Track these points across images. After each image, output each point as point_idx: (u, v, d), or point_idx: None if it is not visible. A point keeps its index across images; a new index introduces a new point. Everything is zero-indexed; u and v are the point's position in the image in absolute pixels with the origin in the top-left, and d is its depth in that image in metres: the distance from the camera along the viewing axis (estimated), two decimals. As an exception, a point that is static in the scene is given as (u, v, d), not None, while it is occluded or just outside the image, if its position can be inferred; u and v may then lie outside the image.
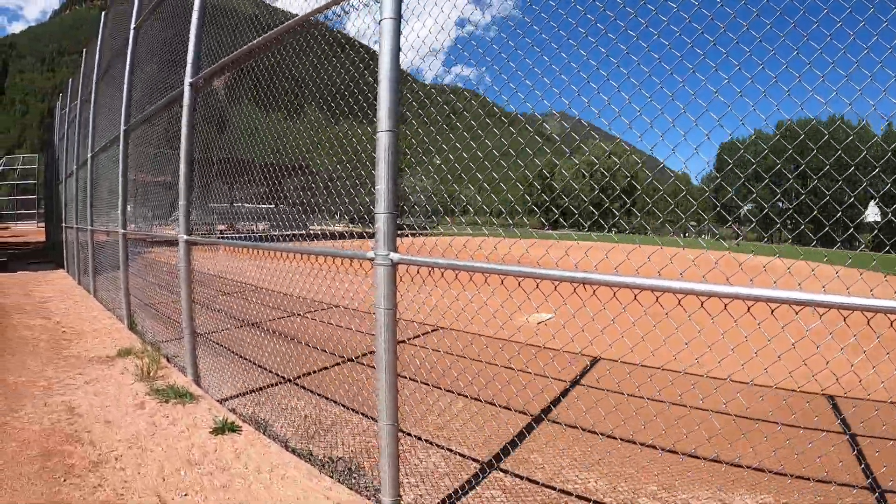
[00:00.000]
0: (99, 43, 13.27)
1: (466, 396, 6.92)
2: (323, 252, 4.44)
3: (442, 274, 4.21)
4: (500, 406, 6.26)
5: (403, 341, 8.23)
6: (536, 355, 8.60)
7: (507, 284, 3.80)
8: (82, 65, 16.23)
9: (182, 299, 6.98)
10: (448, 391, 7.06)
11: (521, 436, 5.85)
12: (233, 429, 5.49)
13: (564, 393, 7.43)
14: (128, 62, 9.70)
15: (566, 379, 7.92)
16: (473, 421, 6.20)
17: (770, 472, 5.00)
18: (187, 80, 6.80)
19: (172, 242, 7.47)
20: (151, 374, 7.12)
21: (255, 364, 8.06)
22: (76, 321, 10.73)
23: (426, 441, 5.65)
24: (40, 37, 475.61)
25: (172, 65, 7.99)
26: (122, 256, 9.98)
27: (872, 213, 12.14)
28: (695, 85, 2.81)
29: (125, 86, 9.81)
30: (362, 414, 6.33)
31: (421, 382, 7.22)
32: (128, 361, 7.87)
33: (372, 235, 3.81)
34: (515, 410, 6.15)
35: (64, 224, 19.03)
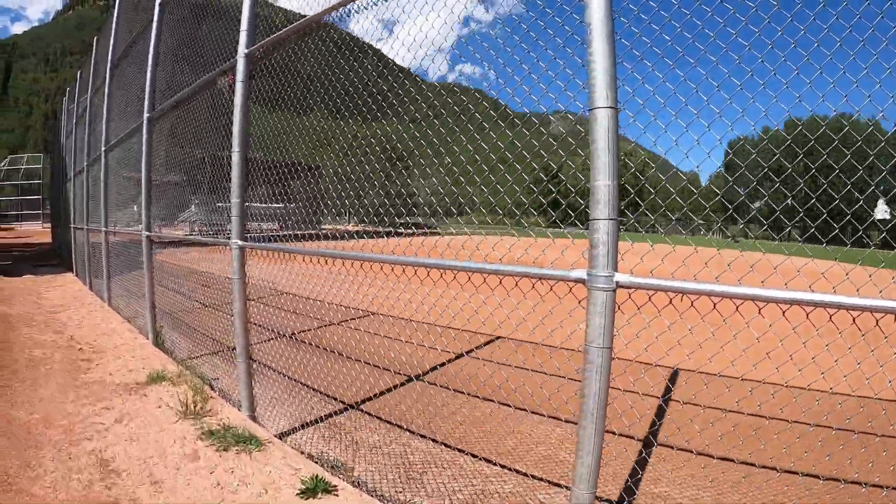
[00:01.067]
0: (115, 21, 11.95)
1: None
2: (523, 272, 3.09)
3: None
4: (615, 433, 5.41)
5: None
6: (626, 370, 7.35)
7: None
8: (93, 53, 15.02)
9: (235, 318, 5.72)
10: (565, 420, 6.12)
11: (641, 463, 5.23)
12: (327, 489, 4.22)
13: (660, 410, 6.61)
14: (152, 38, 8.43)
15: (655, 394, 7.25)
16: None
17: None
18: (242, 49, 5.62)
19: (175, 244, 6.40)
20: (197, 408, 5.82)
21: (314, 389, 6.98)
22: (93, 335, 9.44)
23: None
24: (43, 37, 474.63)
25: (211, 41, 7.02)
26: (146, 263, 8.70)
27: (881, 211, 12.22)
28: (707, 90, 2.80)
29: (149, 65, 8.53)
30: (457, 450, 5.31)
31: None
32: (163, 390, 6.60)
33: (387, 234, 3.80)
34: (622, 434, 5.62)
35: (73, 225, 17.73)
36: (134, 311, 10.95)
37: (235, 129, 5.55)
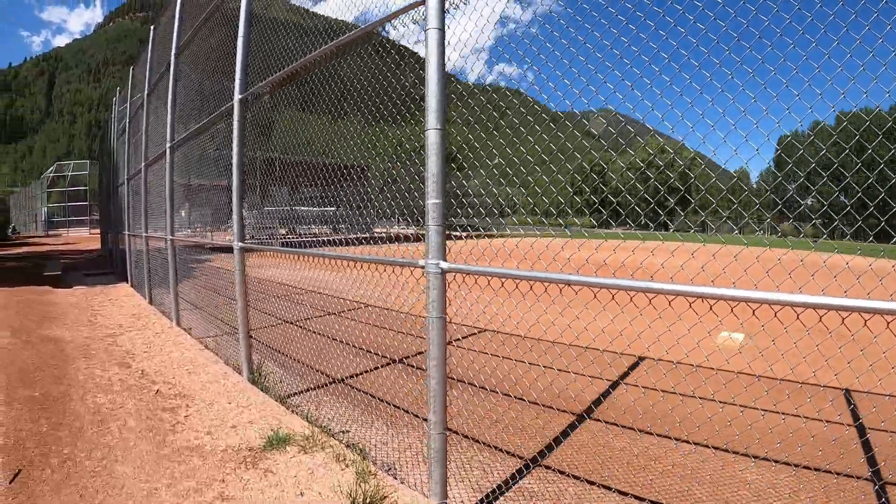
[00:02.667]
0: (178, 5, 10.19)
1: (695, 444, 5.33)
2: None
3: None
4: (776, 462, 4.81)
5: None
6: (748, 387, 6.30)
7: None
8: (149, 43, 13.21)
9: (430, 376, 3.83)
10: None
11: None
12: None
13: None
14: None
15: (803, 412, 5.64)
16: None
17: None
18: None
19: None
20: (368, 501, 3.82)
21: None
22: (168, 369, 7.56)
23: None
24: (85, 49, 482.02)
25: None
26: (238, 281, 6.84)
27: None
28: (754, 86, 2.82)
29: (240, 39, 6.75)
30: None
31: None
32: (293, 461, 4.73)
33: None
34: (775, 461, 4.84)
35: (127, 232, 15.96)
36: (209, 334, 9.26)
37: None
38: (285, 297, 13.59)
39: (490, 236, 5.33)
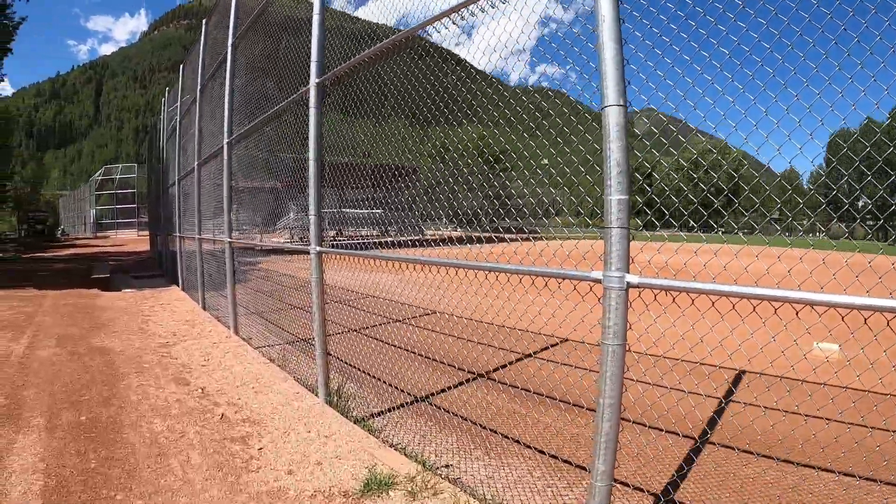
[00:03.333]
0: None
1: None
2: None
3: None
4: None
5: None
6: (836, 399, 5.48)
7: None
8: (201, 35, 12.44)
9: (602, 404, 2.87)
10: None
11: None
12: None
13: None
14: None
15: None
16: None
17: None
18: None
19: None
20: None
21: None
22: (232, 387, 6.69)
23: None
24: (131, 56, 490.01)
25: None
26: (315, 288, 6.02)
27: None
28: (797, 84, 2.73)
29: (316, 17, 5.93)
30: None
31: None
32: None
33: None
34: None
35: (178, 234, 15.21)
36: (270, 343, 8.60)
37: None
38: (343, 302, 12.69)
39: (536, 238, 4.83)
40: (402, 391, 6.61)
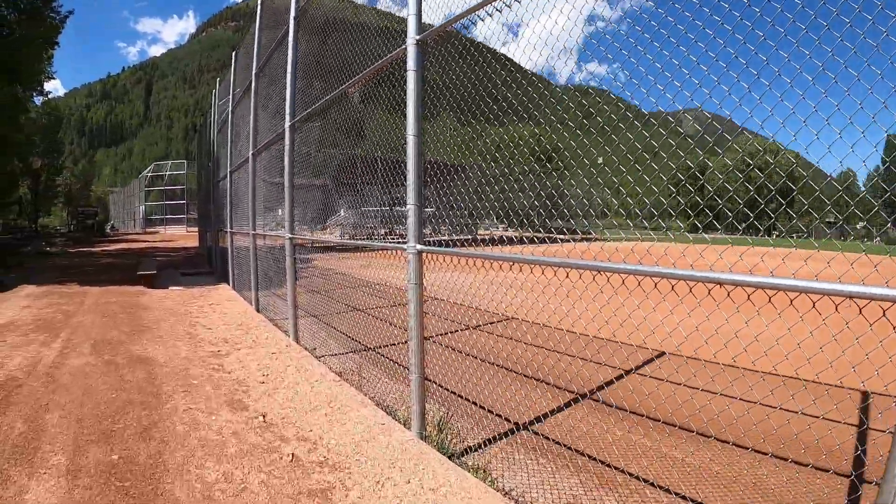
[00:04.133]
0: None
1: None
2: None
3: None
4: None
5: None
6: None
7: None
8: (257, 15, 11.23)
9: None
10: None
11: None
12: None
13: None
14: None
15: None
16: None
17: None
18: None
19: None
20: None
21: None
22: (300, 413, 5.48)
23: None
24: (180, 58, 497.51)
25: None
26: (413, 298, 4.75)
27: None
28: (848, 78, 2.47)
29: None
30: None
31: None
32: None
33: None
34: None
35: (229, 229, 14.03)
36: (334, 352, 7.63)
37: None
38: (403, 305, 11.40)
39: (587, 239, 4.79)
40: (500, 416, 5.47)
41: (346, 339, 8.39)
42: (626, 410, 5.47)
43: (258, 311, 10.93)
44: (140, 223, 66.00)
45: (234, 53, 14.70)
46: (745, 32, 2.75)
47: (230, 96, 14.65)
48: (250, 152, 10.90)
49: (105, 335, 8.55)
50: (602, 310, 4.66)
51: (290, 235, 8.11)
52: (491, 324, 10.21)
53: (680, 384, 6.43)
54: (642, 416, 5.43)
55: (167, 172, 64.30)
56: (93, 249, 32.65)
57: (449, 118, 5.45)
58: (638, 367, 7.32)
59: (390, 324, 9.27)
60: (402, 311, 9.92)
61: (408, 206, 4.54)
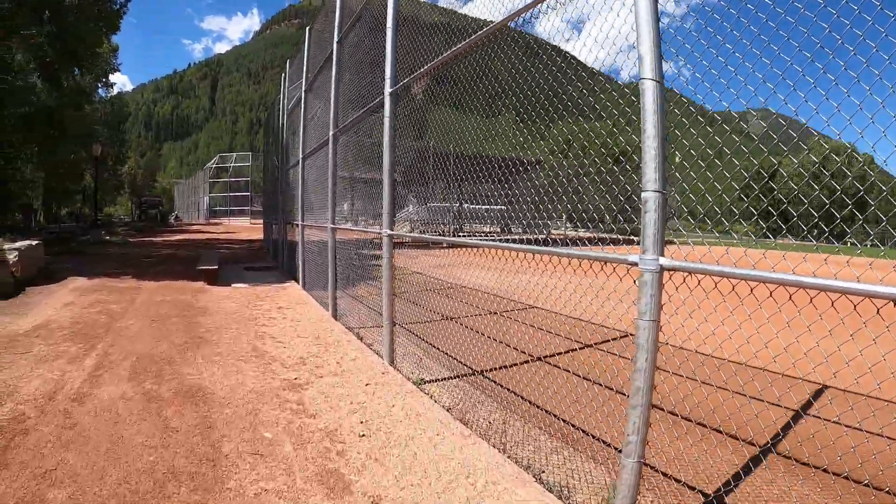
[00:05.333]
0: None
1: None
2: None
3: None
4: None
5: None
6: None
7: None
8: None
9: None
10: None
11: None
12: None
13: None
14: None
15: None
16: None
17: None
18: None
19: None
20: None
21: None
22: (432, 498, 3.37)
23: None
24: (245, 54, 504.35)
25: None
26: (645, 346, 2.52)
27: None
28: None
29: None
30: None
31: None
32: None
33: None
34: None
35: (300, 222, 12.21)
36: (451, 386, 5.70)
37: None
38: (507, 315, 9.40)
39: (669, 242, 3.41)
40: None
41: (453, 361, 6.52)
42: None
43: (335, 317, 9.07)
44: (204, 214, 65.47)
45: (307, 29, 12.87)
46: (822, 35, 2.47)
47: (303, 77, 12.79)
48: (331, 132, 9.01)
49: (151, 348, 6.75)
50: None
51: (389, 231, 6.19)
52: (608, 340, 8.08)
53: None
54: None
55: (232, 164, 63.60)
56: (154, 239, 31.46)
57: (510, 116, 5.24)
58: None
59: (501, 342, 7.34)
60: (511, 325, 8.06)
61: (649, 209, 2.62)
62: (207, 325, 8.29)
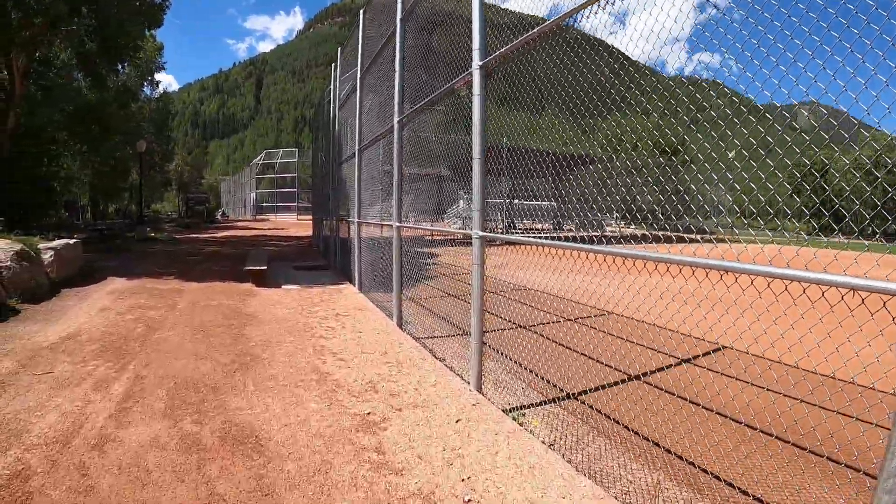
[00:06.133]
0: None
1: None
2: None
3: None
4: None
5: None
6: None
7: None
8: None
9: None
10: None
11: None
12: None
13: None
14: None
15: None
16: None
17: None
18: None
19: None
20: None
21: None
22: None
23: None
24: (288, 53, 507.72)
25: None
26: None
27: None
28: None
29: None
30: None
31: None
32: None
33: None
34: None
35: (356, 219, 11.07)
36: (561, 425, 4.53)
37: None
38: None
39: (720, 240, 3.74)
40: None
41: (541, 380, 5.47)
42: None
43: (401, 326, 7.94)
44: (250, 210, 65.13)
45: (361, 11, 11.68)
46: (861, 27, 2.36)
47: (357, 62, 11.61)
48: (395, 119, 7.88)
49: (192, 370, 5.67)
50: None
51: (481, 233, 5.01)
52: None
53: None
54: None
55: (278, 160, 63.09)
56: (200, 236, 30.72)
57: (556, 111, 4.95)
58: None
59: (582, 354, 6.20)
60: (588, 333, 7.04)
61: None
62: (257, 336, 7.19)
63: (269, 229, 40.27)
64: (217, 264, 15.85)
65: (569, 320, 8.66)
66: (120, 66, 23.78)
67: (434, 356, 6.49)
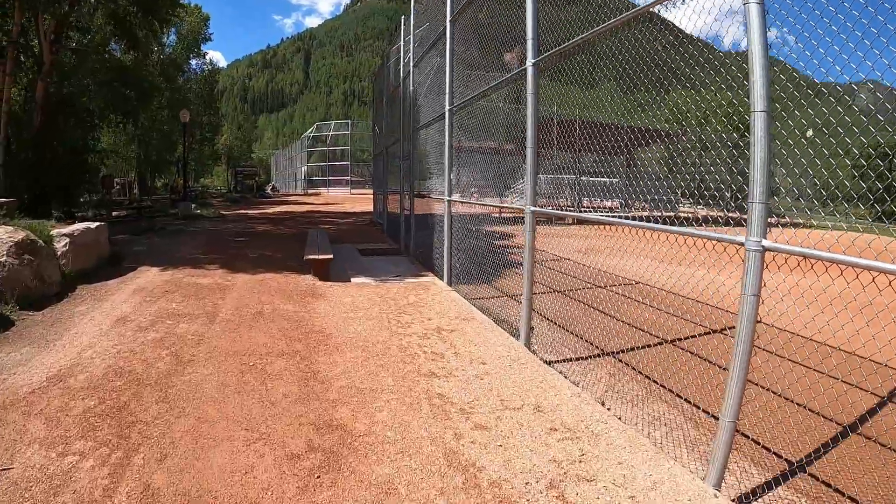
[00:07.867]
0: None
1: None
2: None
3: None
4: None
5: None
6: None
7: None
8: None
9: None
10: None
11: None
12: None
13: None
14: None
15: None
16: None
17: None
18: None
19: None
20: None
21: None
22: None
23: None
24: (336, 27, 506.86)
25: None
26: None
27: None
28: None
29: None
30: None
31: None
32: None
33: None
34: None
35: (447, 196, 8.60)
36: None
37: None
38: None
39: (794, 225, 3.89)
40: None
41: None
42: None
43: (529, 347, 5.48)
44: (301, 184, 63.29)
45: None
46: None
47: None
48: (529, 61, 5.54)
49: (242, 477, 3.19)
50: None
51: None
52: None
53: None
54: None
55: (329, 133, 61.02)
56: (250, 211, 28.62)
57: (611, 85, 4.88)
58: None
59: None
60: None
61: None
62: (338, 379, 4.74)
63: (322, 204, 37.97)
64: (269, 246, 13.50)
65: (715, 332, 6.12)
66: (160, 29, 21.89)
67: (602, 405, 3.98)
